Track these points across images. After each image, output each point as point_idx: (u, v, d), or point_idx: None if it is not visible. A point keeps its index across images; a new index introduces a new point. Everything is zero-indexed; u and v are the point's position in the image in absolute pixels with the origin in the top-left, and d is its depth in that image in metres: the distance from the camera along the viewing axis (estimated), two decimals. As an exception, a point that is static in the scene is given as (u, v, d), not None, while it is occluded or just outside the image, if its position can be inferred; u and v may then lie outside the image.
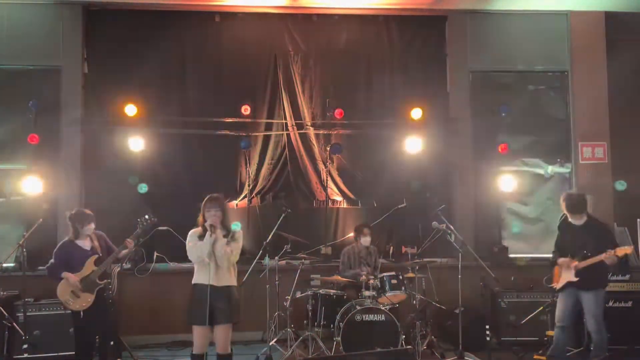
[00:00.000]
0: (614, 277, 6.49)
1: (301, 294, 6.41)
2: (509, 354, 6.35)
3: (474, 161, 7.76)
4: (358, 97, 7.81)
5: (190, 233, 4.70)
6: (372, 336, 5.72)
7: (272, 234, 6.24)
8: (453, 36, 7.94)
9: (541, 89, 8.01)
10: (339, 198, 7.78)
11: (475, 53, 7.89)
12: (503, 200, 7.79)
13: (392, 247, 7.56)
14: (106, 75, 7.50)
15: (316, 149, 7.76)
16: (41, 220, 5.84)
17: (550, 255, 5.73)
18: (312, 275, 6.84)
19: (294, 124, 7.75)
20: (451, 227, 6.25)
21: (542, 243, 7.67)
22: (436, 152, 7.82)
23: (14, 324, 6.05)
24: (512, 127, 7.80)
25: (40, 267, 6.55)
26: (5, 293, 6.36)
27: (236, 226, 7.24)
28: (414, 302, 6.25)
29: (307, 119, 7.77)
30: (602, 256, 5.10)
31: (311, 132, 7.75)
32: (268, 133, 7.75)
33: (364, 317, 5.81)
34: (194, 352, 4.61)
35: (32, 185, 6.91)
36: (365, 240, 6.73)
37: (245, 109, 7.42)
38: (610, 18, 7.88)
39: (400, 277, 6.24)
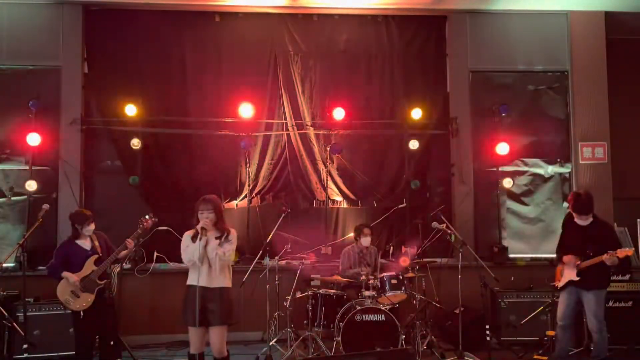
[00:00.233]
0: (614, 277, 6.47)
1: (301, 294, 6.41)
2: (509, 354, 6.35)
3: (474, 161, 7.76)
4: (358, 97, 7.80)
5: (185, 235, 4.69)
6: (372, 336, 5.72)
7: (272, 234, 6.24)
8: (453, 36, 7.93)
9: (541, 89, 8.00)
10: (339, 198, 7.78)
11: (475, 53, 7.89)
12: (503, 200, 7.79)
13: (392, 247, 7.56)
14: (106, 75, 7.49)
15: (316, 149, 7.76)
16: (41, 220, 5.84)
17: (553, 255, 5.72)
18: (312, 275, 6.85)
19: (294, 124, 7.74)
20: (451, 227, 6.26)
21: (542, 243, 7.68)
22: (436, 152, 7.82)
23: (14, 324, 6.04)
24: (512, 127, 7.81)
25: (40, 267, 6.56)
26: (5, 293, 6.36)
27: None
28: (414, 302, 6.25)
29: (307, 119, 7.76)
30: (603, 257, 5.10)
31: (311, 132, 7.75)
32: (268, 133, 7.75)
33: (364, 317, 5.81)
34: (190, 352, 4.61)
35: (32, 185, 6.92)
36: (366, 240, 6.73)
37: (245, 109, 7.41)
38: (610, 18, 7.88)
39: (400, 277, 6.24)
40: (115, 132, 7.38)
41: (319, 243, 7.46)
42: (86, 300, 5.21)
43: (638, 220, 7.41)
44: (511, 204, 7.86)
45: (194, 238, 4.56)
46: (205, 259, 4.53)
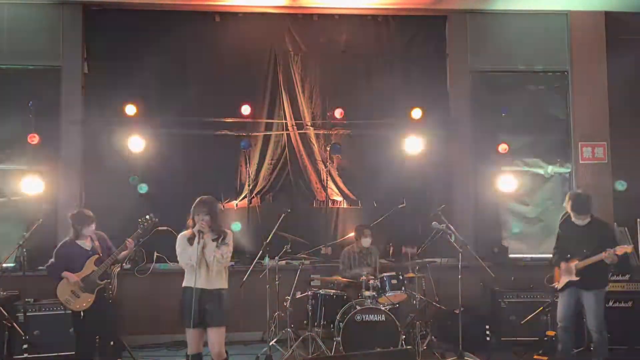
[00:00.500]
0: (614, 277, 6.49)
1: (301, 294, 6.41)
2: (509, 354, 6.35)
3: (474, 161, 7.77)
4: (358, 97, 7.80)
5: (179, 237, 4.68)
6: (372, 336, 5.72)
7: (272, 234, 6.24)
8: (453, 36, 7.93)
9: (541, 89, 8.01)
10: (339, 198, 7.78)
11: (475, 53, 7.89)
12: (503, 200, 7.79)
13: (392, 247, 7.56)
14: (106, 75, 7.49)
15: (316, 149, 7.76)
16: (41, 220, 5.85)
17: (550, 255, 5.73)
18: (312, 275, 6.85)
19: (294, 124, 7.74)
20: (451, 227, 6.26)
21: (542, 243, 7.68)
22: (436, 152, 7.82)
23: (14, 324, 6.05)
24: (512, 127, 7.80)
25: (40, 267, 6.56)
26: (5, 293, 6.37)
27: (236, 227, 7.27)
28: (414, 302, 6.25)
29: (307, 119, 7.76)
30: (602, 255, 5.11)
31: (311, 132, 7.75)
32: (268, 133, 7.75)
33: (364, 317, 5.81)
34: (188, 353, 4.60)
35: (32, 185, 6.92)
36: (366, 241, 6.73)
37: (245, 109, 7.42)
38: (610, 18, 7.88)
39: (400, 277, 6.24)
40: (115, 132, 7.38)
41: (319, 243, 7.47)
42: (86, 300, 5.21)
43: (638, 220, 7.41)
44: (511, 204, 7.86)
45: (190, 240, 4.55)
46: (203, 262, 4.52)
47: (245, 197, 7.56)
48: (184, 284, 4.63)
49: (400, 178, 7.71)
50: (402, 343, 5.77)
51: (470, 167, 7.75)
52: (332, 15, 7.82)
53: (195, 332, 4.52)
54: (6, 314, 6.01)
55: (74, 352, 5.48)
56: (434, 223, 6.21)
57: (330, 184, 7.73)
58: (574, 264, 5.28)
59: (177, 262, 4.72)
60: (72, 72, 7.38)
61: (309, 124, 7.76)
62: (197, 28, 7.68)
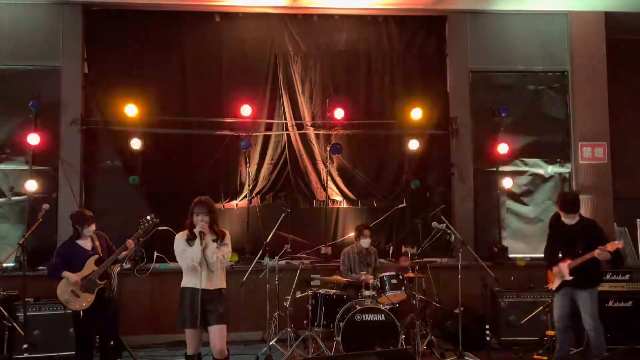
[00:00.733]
0: (614, 277, 6.50)
1: (301, 294, 6.41)
2: (509, 354, 6.35)
3: (474, 161, 7.76)
4: (358, 97, 7.81)
5: (177, 237, 4.66)
6: (372, 336, 5.72)
7: (272, 234, 6.24)
8: (453, 36, 7.93)
9: (541, 89, 8.01)
10: (339, 198, 7.78)
11: (475, 53, 7.89)
12: (503, 200, 7.79)
13: (392, 247, 7.56)
14: (106, 75, 7.50)
15: (316, 149, 7.76)
16: (41, 220, 5.84)
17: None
18: (312, 275, 6.85)
19: (294, 124, 7.74)
20: (451, 227, 6.26)
21: (542, 243, 7.49)
22: (436, 152, 7.82)
23: (14, 324, 6.04)
24: (512, 127, 7.81)
25: (40, 267, 6.57)
26: (5, 293, 6.36)
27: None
28: (414, 302, 6.25)
29: (307, 119, 7.76)
30: (594, 252, 5.15)
31: (311, 132, 7.75)
32: (268, 133, 7.75)
33: (364, 317, 5.80)
34: (188, 354, 4.59)
35: (32, 185, 6.92)
36: (366, 241, 6.71)
37: (245, 109, 7.41)
38: (610, 18, 7.88)
39: (400, 277, 6.24)
40: (115, 132, 7.38)
41: (319, 243, 7.47)
42: (86, 300, 5.20)
43: (638, 220, 7.42)
44: (511, 204, 7.86)
45: (189, 241, 4.55)
46: (203, 262, 4.52)
47: (245, 197, 7.55)
48: (183, 285, 4.62)
49: (400, 178, 7.73)
50: (402, 343, 5.76)
51: (470, 167, 7.74)
52: (332, 15, 7.83)
53: (195, 332, 4.52)
54: (6, 314, 6.01)
55: (74, 352, 5.47)
56: (434, 223, 6.21)
57: (330, 184, 7.73)
58: (567, 264, 5.30)
59: (177, 262, 4.71)
60: (72, 72, 7.38)
61: (309, 124, 7.77)
62: (197, 28, 7.69)
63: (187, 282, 4.60)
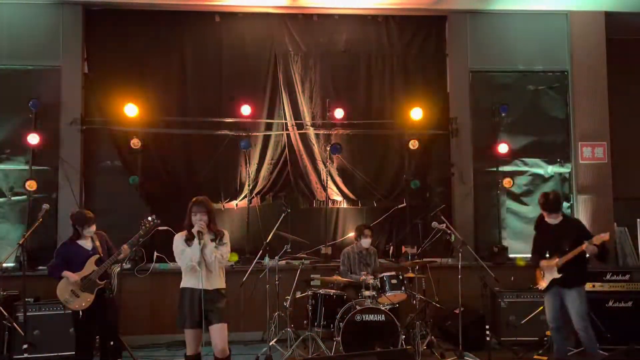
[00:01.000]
0: (614, 277, 6.51)
1: (301, 294, 6.41)
2: (509, 354, 6.35)
3: (474, 161, 7.77)
4: (358, 97, 7.81)
5: (176, 238, 4.66)
6: (372, 336, 5.72)
7: (272, 234, 6.24)
8: (453, 36, 7.94)
9: (541, 89, 8.01)
10: (339, 198, 7.78)
11: (475, 53, 7.89)
12: (503, 200, 7.79)
13: (392, 247, 7.56)
14: (106, 75, 7.49)
15: (316, 149, 7.76)
16: (41, 220, 5.84)
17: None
18: (312, 275, 6.85)
19: (294, 124, 7.74)
20: (451, 227, 6.26)
21: (542, 243, 7.67)
22: (436, 152, 7.82)
23: (14, 324, 6.04)
24: (512, 127, 7.82)
25: (40, 267, 6.57)
26: (5, 293, 6.36)
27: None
28: (414, 302, 6.25)
29: (307, 119, 7.76)
30: (582, 247, 5.19)
31: (311, 132, 7.75)
32: (268, 133, 7.75)
33: (364, 317, 5.80)
34: (187, 354, 4.59)
35: (32, 185, 6.92)
36: (366, 241, 6.72)
37: (245, 109, 7.42)
38: (610, 18, 7.88)
39: (400, 277, 6.24)
40: (115, 132, 7.38)
41: (319, 243, 7.47)
42: (86, 300, 5.20)
43: (638, 220, 7.41)
44: (511, 204, 7.86)
45: (188, 241, 4.55)
46: (202, 262, 4.51)
47: (245, 197, 7.56)
48: (182, 285, 4.62)
49: (400, 178, 7.72)
50: (402, 343, 5.76)
51: (470, 167, 7.75)
52: (332, 15, 7.83)
53: (195, 333, 4.52)
54: (6, 314, 6.02)
55: (74, 352, 5.47)
56: (434, 223, 6.21)
57: (330, 184, 7.73)
58: (555, 262, 5.33)
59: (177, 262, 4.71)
60: (72, 72, 7.38)
61: (309, 124, 7.77)
62: (197, 28, 7.69)
63: (186, 282, 4.60)
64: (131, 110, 7.17)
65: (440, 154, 7.84)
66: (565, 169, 7.94)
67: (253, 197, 7.59)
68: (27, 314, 5.96)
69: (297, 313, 6.42)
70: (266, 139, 7.75)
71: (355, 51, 7.86)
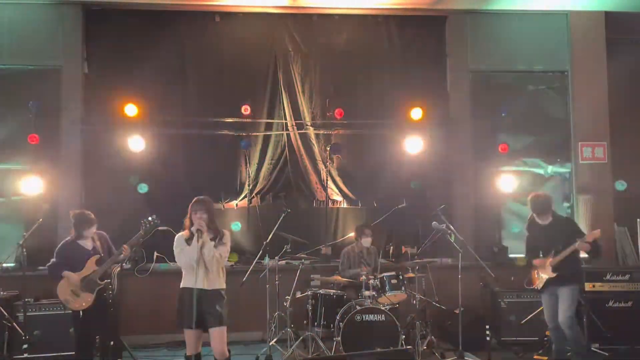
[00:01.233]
0: (614, 277, 6.51)
1: (301, 294, 6.41)
2: (509, 354, 6.35)
3: (474, 161, 7.77)
4: (358, 97, 7.81)
5: (177, 237, 4.66)
6: (372, 336, 5.72)
7: (272, 234, 6.24)
8: (453, 36, 7.94)
9: (541, 89, 8.02)
10: (339, 198, 7.78)
11: (475, 53, 7.90)
12: (503, 200, 7.79)
13: (392, 247, 7.56)
14: (106, 75, 7.49)
15: (316, 149, 7.76)
16: (41, 220, 5.84)
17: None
18: (312, 275, 6.85)
19: (294, 124, 7.74)
20: (451, 227, 6.26)
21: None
22: (436, 152, 7.82)
23: (14, 324, 6.05)
24: (512, 127, 7.82)
25: (41, 267, 6.55)
26: (5, 293, 6.37)
27: (235, 226, 7.28)
28: (414, 302, 6.25)
29: (307, 119, 7.76)
30: (575, 245, 5.21)
31: (311, 132, 7.75)
32: (268, 133, 7.75)
33: (364, 317, 5.80)
34: (187, 354, 4.59)
35: (32, 185, 6.92)
36: (366, 241, 6.72)
37: (245, 109, 7.42)
38: (610, 18, 7.88)
39: (400, 277, 6.24)
40: (115, 132, 7.38)
41: (319, 243, 7.47)
42: (86, 300, 5.20)
43: (638, 220, 7.41)
44: (511, 204, 7.86)
45: (188, 240, 4.55)
46: (201, 261, 4.50)
47: (245, 197, 7.56)
48: (182, 285, 4.62)
49: (400, 178, 7.73)
50: (402, 343, 5.76)
51: (470, 167, 7.75)
52: (332, 15, 7.83)
53: (195, 333, 4.51)
54: (6, 314, 6.02)
55: (74, 352, 5.47)
56: (434, 223, 6.21)
57: (330, 184, 7.73)
58: (549, 261, 5.34)
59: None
60: (72, 72, 7.38)
61: (309, 124, 7.76)
62: (197, 28, 7.68)
63: (185, 282, 4.60)
64: (131, 110, 7.16)
65: (440, 154, 7.84)
66: (565, 169, 7.94)
67: (253, 197, 7.59)
68: (27, 314, 5.97)
69: (297, 313, 6.42)
70: (266, 138, 7.75)
71: (355, 51, 7.85)
